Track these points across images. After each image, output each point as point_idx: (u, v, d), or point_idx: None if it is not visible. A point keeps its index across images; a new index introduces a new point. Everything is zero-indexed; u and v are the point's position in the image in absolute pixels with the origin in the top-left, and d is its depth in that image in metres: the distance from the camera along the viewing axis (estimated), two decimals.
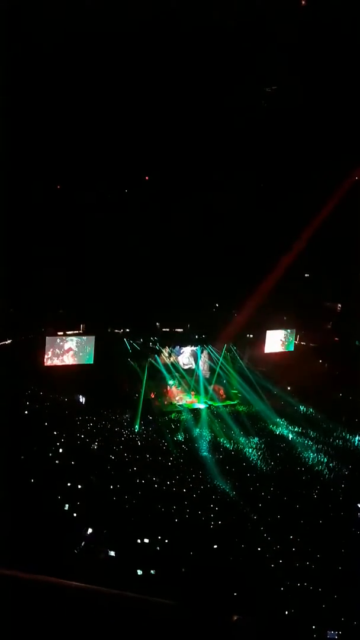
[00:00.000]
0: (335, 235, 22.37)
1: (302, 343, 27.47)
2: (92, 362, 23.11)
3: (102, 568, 6.79)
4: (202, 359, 26.27)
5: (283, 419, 22.17)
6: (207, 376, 26.20)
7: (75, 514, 9.04)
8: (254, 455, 18.23)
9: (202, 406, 24.09)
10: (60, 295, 21.30)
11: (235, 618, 2.41)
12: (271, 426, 21.78)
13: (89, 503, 10.13)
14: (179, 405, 24.15)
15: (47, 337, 22.42)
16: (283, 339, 27.16)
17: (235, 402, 25.03)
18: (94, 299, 21.37)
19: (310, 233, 22.13)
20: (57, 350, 22.65)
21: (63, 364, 22.68)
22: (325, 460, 17.54)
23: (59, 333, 22.78)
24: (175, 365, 25.39)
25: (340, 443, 19.68)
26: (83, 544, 7.44)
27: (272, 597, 7.86)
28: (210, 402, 24.61)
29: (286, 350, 27.00)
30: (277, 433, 21.16)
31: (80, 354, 23.06)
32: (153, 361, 24.30)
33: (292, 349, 27.22)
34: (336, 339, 26.84)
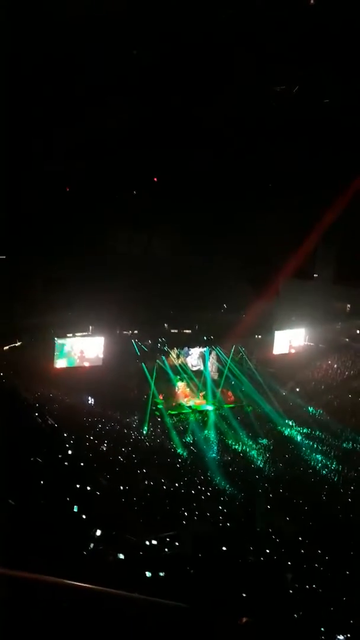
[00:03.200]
0: (344, 234, 22.23)
1: (311, 344, 27.35)
2: (100, 363, 23.20)
3: (110, 570, 6.81)
4: (210, 360, 26.25)
5: (292, 421, 22.10)
6: (215, 377, 26.19)
7: (84, 516, 9.07)
8: (262, 457, 18.19)
9: (210, 407, 24.08)
10: (68, 297, 21.41)
11: (243, 620, 2.42)
12: (280, 428, 21.72)
13: (98, 505, 10.16)
14: (187, 406, 24.16)
15: (56, 339, 22.55)
16: (292, 340, 27.05)
17: (244, 403, 24.99)
18: (103, 301, 21.44)
19: (319, 232, 22.01)
20: (66, 352, 22.77)
21: (72, 365, 22.79)
22: (334, 462, 17.47)
23: (68, 335, 22.89)
24: (183, 367, 25.41)
25: (350, 445, 19.58)
26: (92, 545, 7.46)
27: (281, 599, 7.84)
28: (218, 404, 24.59)
29: (295, 351, 26.90)
30: (286, 434, 21.10)
31: (89, 355, 23.15)
32: (160, 363, 24.34)
33: (300, 349, 27.10)
34: (345, 339, 26.70)
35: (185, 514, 11.87)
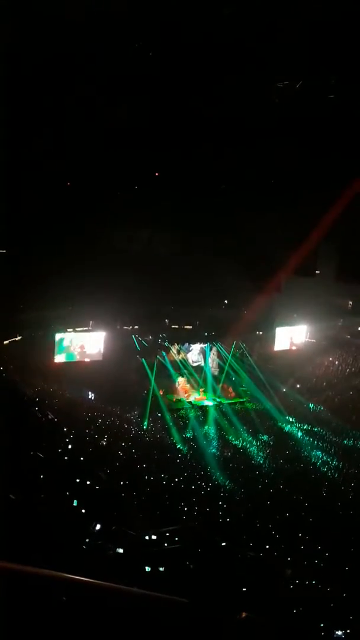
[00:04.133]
0: (346, 230, 22.16)
1: (312, 340, 27.32)
2: (101, 358, 23.20)
3: (110, 564, 6.81)
4: (210, 356, 26.24)
5: (292, 417, 22.09)
6: (216, 373, 26.18)
7: (83, 510, 9.08)
8: (263, 453, 18.19)
9: (210, 403, 24.09)
10: (69, 291, 21.39)
11: (243, 615, 2.40)
12: (280, 424, 21.72)
13: (98, 499, 10.17)
14: (187, 402, 24.17)
15: (56, 334, 22.54)
16: (293, 336, 27.01)
17: (244, 399, 24.99)
18: (103, 296, 21.42)
19: (321, 229, 21.94)
20: (66, 347, 22.76)
21: (72, 360, 22.79)
22: (335, 459, 17.47)
23: (68, 330, 22.88)
24: (183, 362, 25.40)
25: (351, 442, 19.58)
26: (91, 539, 7.47)
27: (280, 595, 7.85)
28: (218, 400, 24.60)
29: (296, 348, 26.86)
30: (286, 431, 21.10)
31: (89, 350, 23.15)
32: (161, 358, 24.33)
33: (301, 345, 27.07)
34: (347, 335, 26.67)
35: (185, 509, 11.88)
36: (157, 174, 22.31)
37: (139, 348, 23.92)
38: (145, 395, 22.58)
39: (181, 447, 18.27)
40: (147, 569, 6.86)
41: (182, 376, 25.10)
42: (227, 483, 14.76)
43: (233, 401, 24.74)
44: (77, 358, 22.92)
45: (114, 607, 2.31)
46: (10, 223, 16.79)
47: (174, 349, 25.22)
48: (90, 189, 21.25)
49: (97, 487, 11.21)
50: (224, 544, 9.66)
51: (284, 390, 24.29)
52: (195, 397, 24.65)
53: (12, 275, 18.68)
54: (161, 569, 6.98)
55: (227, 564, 8.51)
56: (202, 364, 26.04)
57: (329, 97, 17.32)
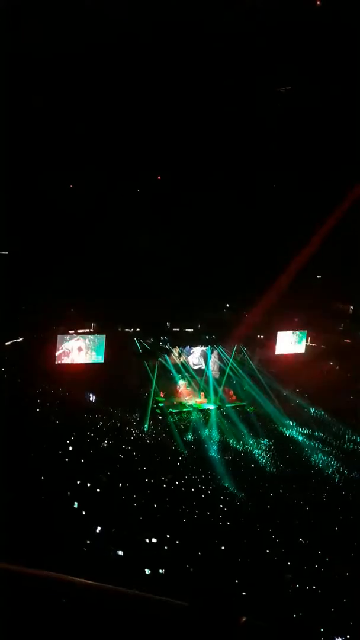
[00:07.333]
0: (347, 235, 22.21)
1: (313, 345, 27.29)
2: (102, 361, 23.20)
3: (110, 567, 6.80)
4: (212, 359, 26.21)
5: (293, 421, 22.05)
6: (217, 377, 26.13)
7: (84, 512, 9.08)
8: (263, 456, 18.16)
9: (211, 407, 24.05)
10: (71, 294, 21.40)
11: (243, 620, 2.40)
12: (281, 428, 21.68)
13: (98, 501, 10.16)
14: (188, 405, 24.13)
15: (58, 336, 22.54)
16: (294, 340, 26.99)
17: (245, 403, 24.92)
18: (105, 298, 21.44)
19: (322, 234, 21.98)
20: (68, 349, 22.76)
21: (74, 362, 22.79)
22: (336, 463, 17.43)
23: (70, 332, 22.89)
24: (185, 365, 25.37)
25: (351, 446, 19.54)
26: (92, 541, 7.46)
27: (280, 599, 7.82)
28: (219, 403, 24.55)
29: (297, 352, 26.82)
30: (287, 435, 21.06)
31: (91, 352, 23.15)
32: (163, 361, 24.30)
33: (302, 350, 27.05)
34: (347, 340, 26.64)
35: (186, 512, 11.86)
36: (159, 177, 22.38)
37: (140, 350, 23.90)
38: (147, 397, 22.56)
39: (182, 450, 18.25)
40: (147, 571, 6.86)
41: (184, 379, 25.06)
42: (227, 486, 14.73)
43: (234, 404, 24.69)
44: (79, 360, 22.91)
45: (113, 609, 2.31)
46: (13, 225, 16.84)
47: (175, 352, 25.20)
48: (93, 192, 21.32)
49: (98, 490, 11.21)
50: (223, 547, 9.64)
51: (285, 394, 24.24)
52: (196, 400, 24.61)
53: (14, 277, 18.73)
54: (161, 571, 6.97)
55: (227, 567, 8.49)
56: (204, 367, 26.00)
57: (332, 102, 17.41)
